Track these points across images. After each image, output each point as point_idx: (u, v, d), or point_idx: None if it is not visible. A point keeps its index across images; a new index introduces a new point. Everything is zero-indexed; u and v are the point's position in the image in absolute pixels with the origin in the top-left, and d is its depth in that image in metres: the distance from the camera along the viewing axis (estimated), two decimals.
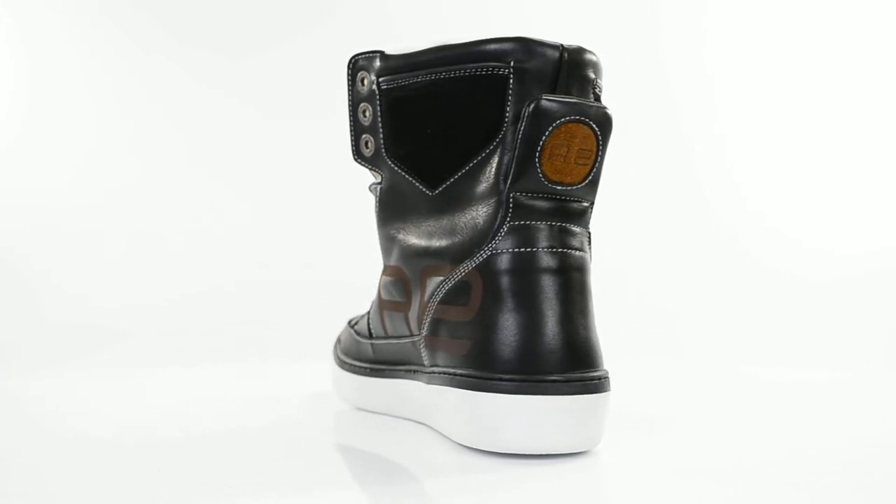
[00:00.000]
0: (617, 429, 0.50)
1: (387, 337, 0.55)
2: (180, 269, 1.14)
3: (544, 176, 0.45)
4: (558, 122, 0.44)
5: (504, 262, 0.45)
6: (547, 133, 0.44)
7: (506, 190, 0.46)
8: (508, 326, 0.44)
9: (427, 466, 0.44)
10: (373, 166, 0.53)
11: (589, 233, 0.48)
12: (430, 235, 0.50)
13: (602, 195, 0.51)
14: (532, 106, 0.44)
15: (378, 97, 0.51)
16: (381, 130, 0.52)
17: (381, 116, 0.51)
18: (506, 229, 0.45)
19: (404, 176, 0.51)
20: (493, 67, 0.47)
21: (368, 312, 0.58)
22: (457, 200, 0.48)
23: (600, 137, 0.45)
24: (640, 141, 1.17)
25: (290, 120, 1.22)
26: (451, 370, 0.46)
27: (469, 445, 0.46)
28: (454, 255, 0.47)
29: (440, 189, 0.49)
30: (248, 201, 1.22)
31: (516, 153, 0.45)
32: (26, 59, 1.23)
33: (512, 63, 0.46)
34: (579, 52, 0.47)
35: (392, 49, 0.51)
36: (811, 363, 0.82)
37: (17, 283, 1.09)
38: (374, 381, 0.56)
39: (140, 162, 1.23)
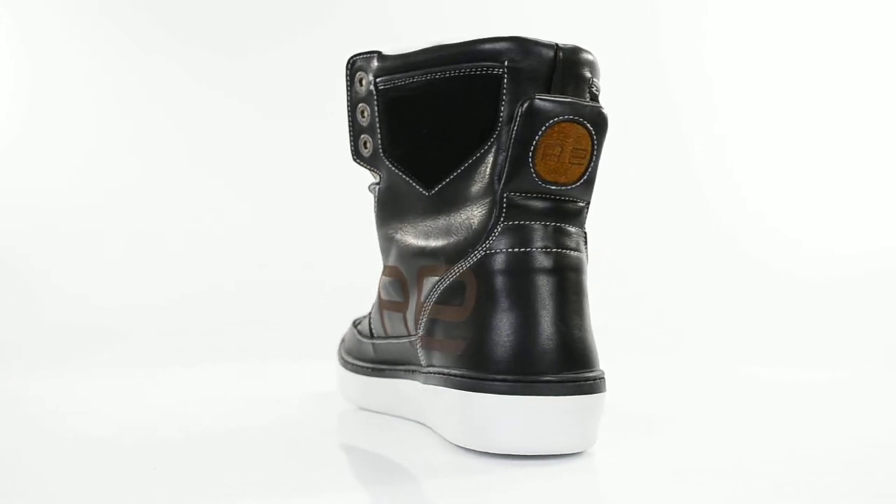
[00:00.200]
0: (615, 429, 0.50)
1: (387, 337, 0.55)
2: (180, 269, 1.14)
3: (538, 176, 0.45)
4: (552, 121, 0.44)
5: (498, 262, 0.45)
6: (540, 133, 0.44)
7: (500, 190, 0.45)
8: (502, 326, 0.44)
9: (425, 467, 0.44)
10: (371, 167, 0.53)
11: (585, 233, 0.48)
12: (427, 235, 0.50)
13: (602, 195, 0.51)
14: (525, 105, 0.44)
15: (375, 97, 0.51)
16: (378, 131, 0.52)
17: (379, 117, 0.51)
18: (500, 229, 0.45)
19: (401, 176, 0.51)
20: (488, 67, 0.46)
21: (370, 312, 0.58)
22: (452, 200, 0.48)
23: (595, 137, 0.45)
24: (640, 141, 1.17)
25: (290, 120, 1.23)
26: (446, 370, 0.46)
27: (463, 446, 0.46)
28: (449, 255, 0.47)
29: (436, 189, 0.49)
30: (248, 201, 1.22)
31: (510, 153, 0.45)
32: (26, 59, 1.23)
33: (506, 62, 0.46)
34: (575, 51, 0.46)
35: (389, 49, 0.51)
36: (811, 363, 0.82)
37: (17, 283, 1.09)
38: (375, 380, 0.56)
39: (140, 162, 1.23)
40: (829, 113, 1.21)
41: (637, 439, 0.50)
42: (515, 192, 0.45)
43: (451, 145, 0.48)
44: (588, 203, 0.48)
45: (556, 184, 0.45)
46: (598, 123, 0.45)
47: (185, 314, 1.05)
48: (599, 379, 0.45)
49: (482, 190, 0.47)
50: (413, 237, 0.51)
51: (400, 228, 0.52)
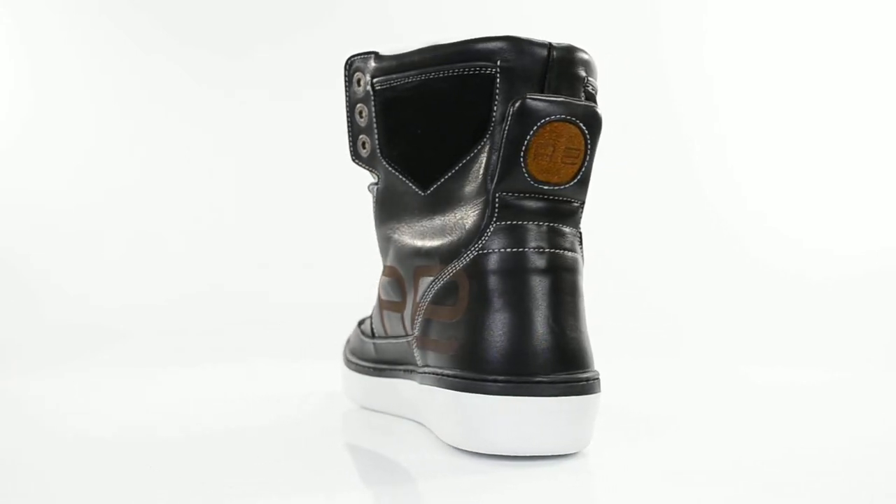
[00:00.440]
0: (612, 429, 0.50)
1: (386, 337, 0.55)
2: (180, 269, 1.14)
3: (530, 175, 0.44)
4: (543, 121, 0.44)
5: (491, 262, 0.45)
6: (531, 132, 0.44)
7: (492, 189, 0.45)
8: (495, 327, 0.44)
9: (421, 467, 0.44)
10: (370, 167, 0.53)
11: (580, 233, 0.48)
12: (423, 235, 0.50)
13: (602, 195, 0.51)
14: (517, 105, 0.44)
15: (373, 98, 0.51)
16: (376, 131, 0.52)
17: (376, 117, 0.51)
18: (492, 229, 0.45)
19: (398, 176, 0.51)
20: (481, 67, 0.46)
21: (372, 312, 0.58)
22: (447, 200, 0.48)
23: (588, 137, 0.45)
24: (640, 141, 1.17)
25: (289, 120, 1.23)
26: (440, 370, 0.46)
27: (457, 446, 0.45)
28: (443, 255, 0.47)
29: (431, 189, 0.49)
30: (248, 201, 1.22)
31: (502, 153, 0.44)
32: (26, 59, 1.23)
33: (499, 62, 0.46)
34: (569, 50, 0.46)
35: (386, 49, 0.51)
36: (811, 363, 0.82)
37: (17, 283, 1.09)
38: (376, 380, 0.56)
39: (140, 162, 1.23)
40: (829, 113, 1.21)
41: (635, 439, 0.50)
42: (508, 192, 0.45)
43: (446, 145, 0.48)
44: (583, 203, 0.47)
45: (548, 184, 0.45)
46: (592, 123, 0.45)
47: (185, 314, 1.05)
48: (593, 380, 0.45)
49: (476, 190, 0.47)
50: (409, 237, 0.51)
51: (397, 228, 0.52)
